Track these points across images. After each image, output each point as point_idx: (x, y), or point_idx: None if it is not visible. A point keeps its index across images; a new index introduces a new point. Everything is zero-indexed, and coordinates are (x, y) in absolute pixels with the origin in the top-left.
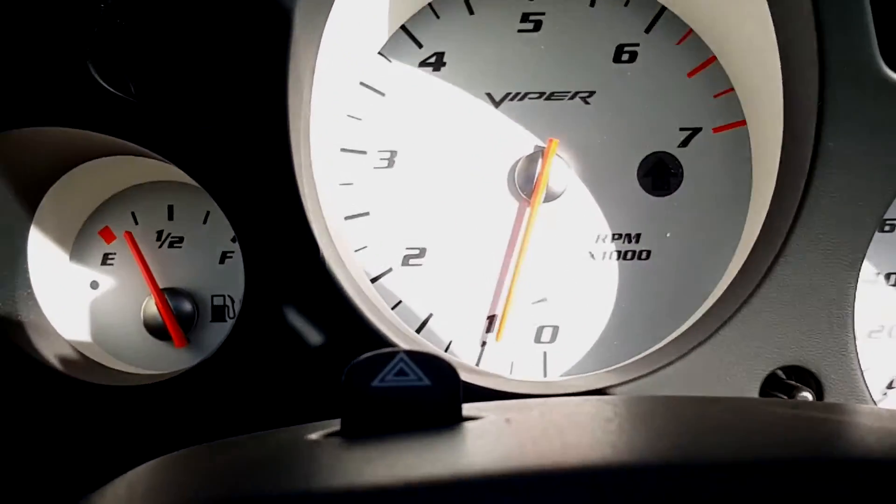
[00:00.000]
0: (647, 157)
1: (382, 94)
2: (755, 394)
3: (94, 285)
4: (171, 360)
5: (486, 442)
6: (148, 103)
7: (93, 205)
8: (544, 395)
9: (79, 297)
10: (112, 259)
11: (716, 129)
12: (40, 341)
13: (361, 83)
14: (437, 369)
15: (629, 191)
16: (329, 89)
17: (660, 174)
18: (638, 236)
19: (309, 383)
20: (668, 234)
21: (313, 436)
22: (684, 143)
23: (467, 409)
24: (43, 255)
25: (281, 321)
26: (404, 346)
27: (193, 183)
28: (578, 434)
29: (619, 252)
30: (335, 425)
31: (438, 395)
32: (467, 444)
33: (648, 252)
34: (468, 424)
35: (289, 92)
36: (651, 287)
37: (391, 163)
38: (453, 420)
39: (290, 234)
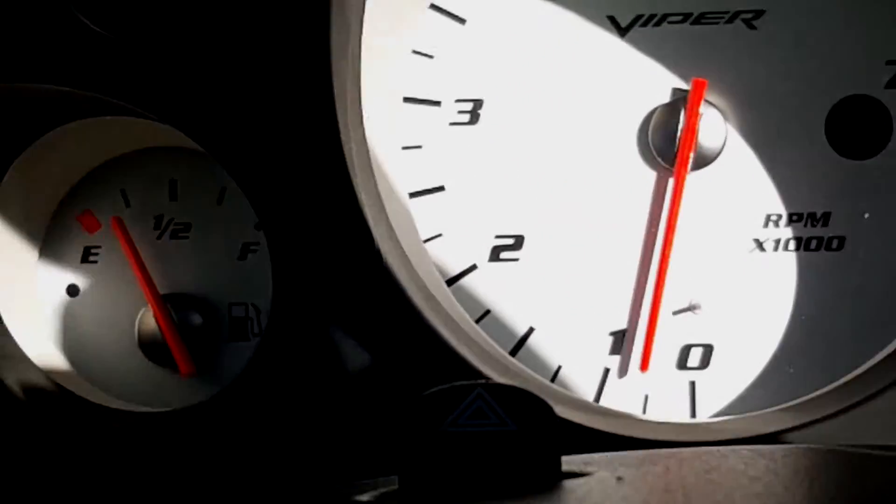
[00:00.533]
0: (839, 103)
1: (462, 21)
2: None
3: (73, 291)
4: (174, 391)
5: None
6: (138, 44)
7: (70, 181)
8: (690, 444)
9: (52, 308)
10: (96, 255)
11: None
12: (4, 368)
13: (432, 5)
14: (527, 408)
15: (814, 153)
16: (387, 13)
17: (858, 129)
18: (826, 217)
19: (357, 425)
20: (865, 216)
21: (364, 497)
22: (894, 83)
23: (570, 462)
24: (5, 249)
25: (321, 340)
26: (493, 374)
27: (203, 150)
28: (707, 497)
29: (798, 240)
30: (392, 483)
31: (529, 442)
32: None
33: (842, 239)
34: (568, 484)
35: (332, 16)
36: (844, 289)
37: (474, 117)
38: (548, 477)
39: (334, 218)
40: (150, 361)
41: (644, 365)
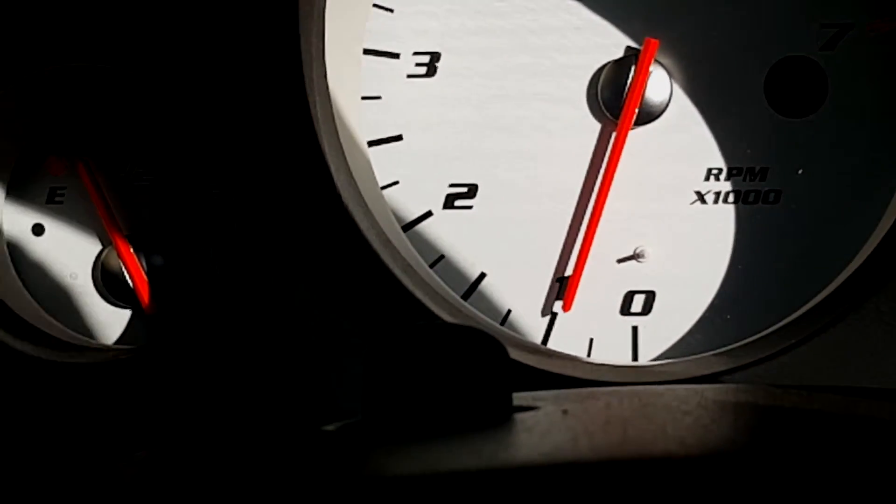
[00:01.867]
0: (777, 63)
1: None
2: None
3: (38, 230)
4: (135, 330)
5: (532, 436)
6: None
7: (35, 124)
8: (632, 383)
9: (18, 246)
10: (61, 195)
11: (872, 26)
12: None
13: None
14: (481, 348)
15: (753, 110)
16: None
17: (795, 87)
18: (764, 172)
19: (317, 363)
20: (799, 172)
21: (330, 427)
22: (829, 45)
23: (520, 398)
24: None
25: (282, 281)
26: (446, 316)
27: (169, 99)
28: (643, 429)
29: (737, 193)
30: (356, 417)
31: (483, 379)
32: (510, 437)
33: (778, 193)
34: (518, 416)
35: None
36: (779, 241)
37: (431, 69)
38: (501, 411)
39: (297, 166)
40: (111, 300)
41: (566, 305)
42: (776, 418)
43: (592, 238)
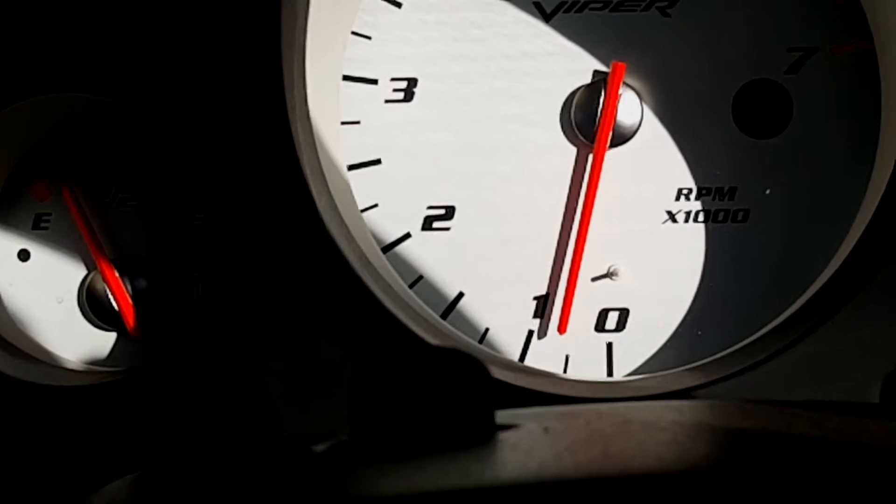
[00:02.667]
0: (745, 86)
1: (399, 5)
2: (875, 395)
3: (24, 256)
4: (120, 353)
5: (517, 454)
6: (94, 25)
7: (21, 152)
8: (608, 399)
9: (4, 272)
10: (47, 222)
11: (836, 49)
12: None
13: None
14: (462, 368)
15: (721, 132)
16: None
17: (761, 110)
18: (732, 191)
19: (302, 383)
20: (766, 191)
21: (318, 447)
22: (794, 69)
23: (502, 416)
24: None
25: (264, 302)
26: (426, 336)
27: (155, 125)
28: (623, 445)
29: (707, 212)
30: (343, 436)
31: (464, 400)
32: (495, 455)
33: (746, 212)
34: (501, 435)
35: (282, 4)
36: (748, 258)
37: (409, 95)
38: (482, 430)
39: (279, 190)
40: (97, 323)
41: (562, 327)
42: (750, 433)
43: (580, 259)
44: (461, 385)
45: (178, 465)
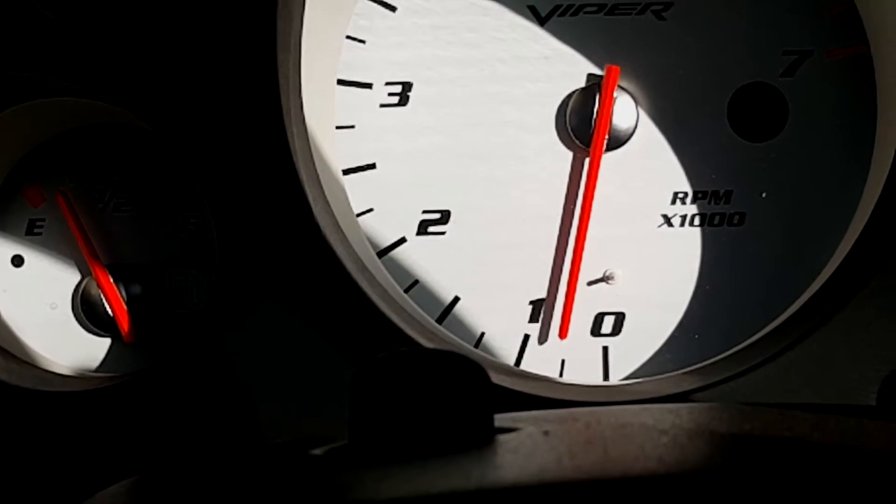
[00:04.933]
0: (740, 90)
1: (393, 9)
2: (871, 398)
3: (18, 262)
4: (115, 359)
5: (517, 457)
6: (88, 27)
7: (15, 157)
8: (604, 403)
9: None
10: (40, 227)
11: (831, 54)
12: None
13: None
14: (462, 371)
15: (717, 135)
16: (325, 3)
17: (757, 113)
18: (728, 195)
19: (298, 387)
20: (762, 195)
21: (317, 451)
22: (789, 72)
23: (501, 419)
24: None
25: (260, 307)
26: (422, 340)
27: (151, 129)
28: (623, 448)
29: (703, 216)
30: (342, 440)
31: (464, 403)
32: (496, 458)
33: (742, 215)
34: (501, 438)
35: (277, 10)
36: (744, 262)
37: (403, 99)
38: (482, 433)
39: (275, 195)
40: (91, 329)
41: (563, 332)
42: (750, 436)
43: (580, 263)
44: (461, 388)
45: (175, 470)
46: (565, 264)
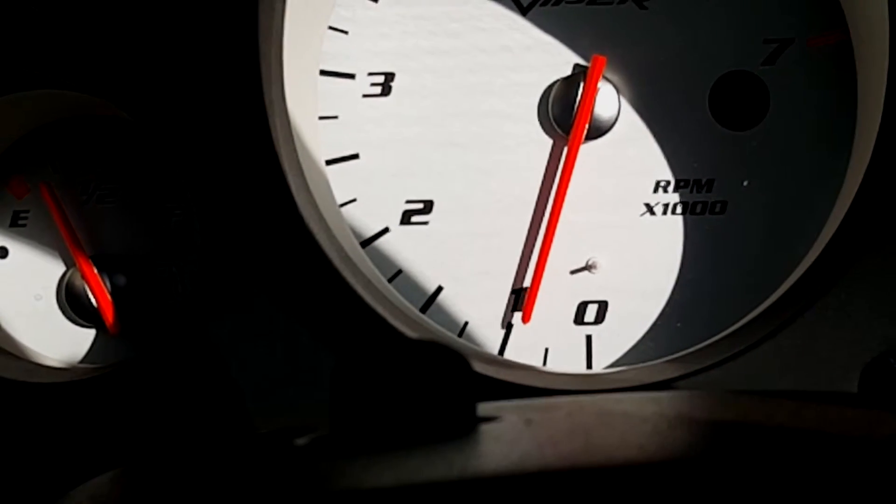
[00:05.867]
0: (721, 78)
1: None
2: (854, 385)
3: (2, 253)
4: (99, 351)
5: (500, 446)
6: (72, 20)
7: None
8: (587, 391)
9: None
10: (24, 218)
11: (812, 41)
12: None
13: None
14: (444, 361)
15: (698, 124)
16: None
17: (738, 101)
18: (710, 183)
19: (281, 378)
20: (744, 183)
21: (300, 441)
22: (770, 60)
23: (483, 408)
24: None
25: (244, 298)
26: (406, 330)
27: (132, 120)
28: (604, 436)
29: (684, 204)
30: (324, 429)
31: (446, 393)
32: (479, 447)
33: (724, 204)
34: (484, 427)
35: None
36: (726, 250)
37: (386, 89)
38: (464, 422)
39: (258, 186)
40: (76, 320)
41: (526, 317)
42: (731, 423)
43: (549, 250)
44: (443, 378)
45: (159, 460)
46: (547, 252)
